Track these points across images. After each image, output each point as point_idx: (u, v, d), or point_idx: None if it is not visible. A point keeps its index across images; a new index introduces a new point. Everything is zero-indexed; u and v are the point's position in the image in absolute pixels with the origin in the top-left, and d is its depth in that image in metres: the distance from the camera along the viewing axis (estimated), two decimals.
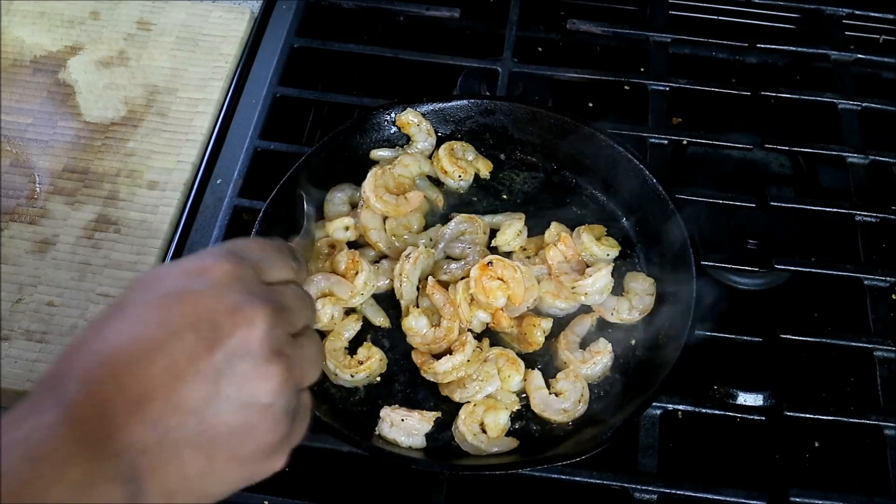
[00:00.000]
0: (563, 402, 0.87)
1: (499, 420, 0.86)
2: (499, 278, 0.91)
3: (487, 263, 0.91)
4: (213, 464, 0.57)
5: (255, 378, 0.57)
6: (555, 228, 0.98)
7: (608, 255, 0.96)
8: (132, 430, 0.54)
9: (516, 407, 0.88)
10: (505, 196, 1.04)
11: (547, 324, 0.91)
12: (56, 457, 0.51)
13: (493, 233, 0.99)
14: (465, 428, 0.85)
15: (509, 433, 0.87)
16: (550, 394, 0.88)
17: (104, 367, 0.55)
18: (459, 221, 0.99)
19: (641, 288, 0.94)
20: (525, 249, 0.98)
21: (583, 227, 0.98)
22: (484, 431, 0.86)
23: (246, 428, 0.57)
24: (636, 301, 0.94)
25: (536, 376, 0.89)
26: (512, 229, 0.97)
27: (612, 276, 0.93)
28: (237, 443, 0.57)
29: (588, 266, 0.94)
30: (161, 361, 0.55)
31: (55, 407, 0.54)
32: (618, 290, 0.95)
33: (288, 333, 0.61)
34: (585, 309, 0.95)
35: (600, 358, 0.90)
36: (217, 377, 0.56)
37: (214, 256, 0.61)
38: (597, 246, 0.95)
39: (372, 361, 0.89)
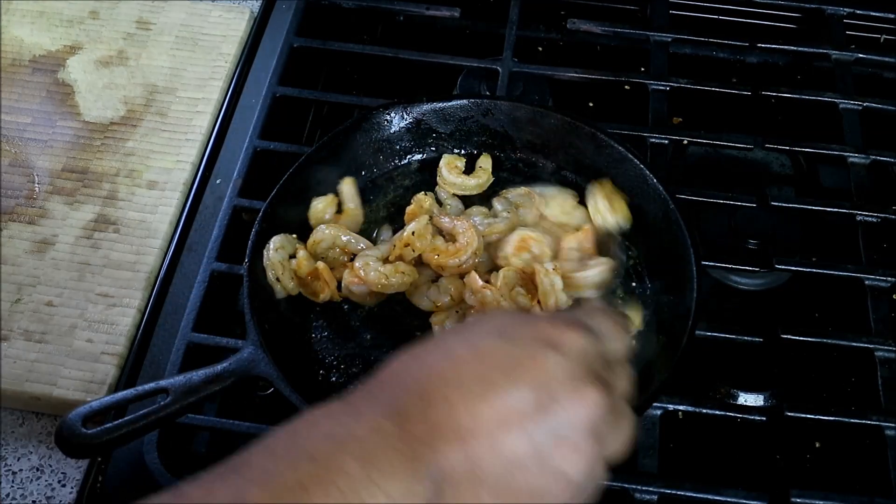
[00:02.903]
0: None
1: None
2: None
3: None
4: (503, 500, 0.57)
5: (571, 454, 0.58)
6: (600, 193, 0.97)
7: (620, 224, 0.96)
8: (450, 456, 0.55)
9: None
10: None
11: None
12: (385, 464, 0.53)
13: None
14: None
15: None
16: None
17: (441, 388, 0.57)
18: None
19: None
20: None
21: (597, 184, 0.97)
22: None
23: (547, 493, 0.58)
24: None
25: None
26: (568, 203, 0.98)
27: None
28: (533, 502, 0.58)
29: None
30: (497, 405, 0.56)
31: (385, 410, 0.56)
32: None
33: (610, 413, 0.61)
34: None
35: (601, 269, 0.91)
36: (538, 439, 0.57)
37: (570, 326, 0.62)
38: (610, 214, 0.95)
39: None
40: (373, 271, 0.91)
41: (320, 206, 0.99)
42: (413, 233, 0.93)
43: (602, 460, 0.61)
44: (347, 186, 1.00)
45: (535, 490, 0.58)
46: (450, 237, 0.94)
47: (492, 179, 1.03)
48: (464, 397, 0.56)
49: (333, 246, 0.95)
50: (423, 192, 1.00)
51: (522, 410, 0.57)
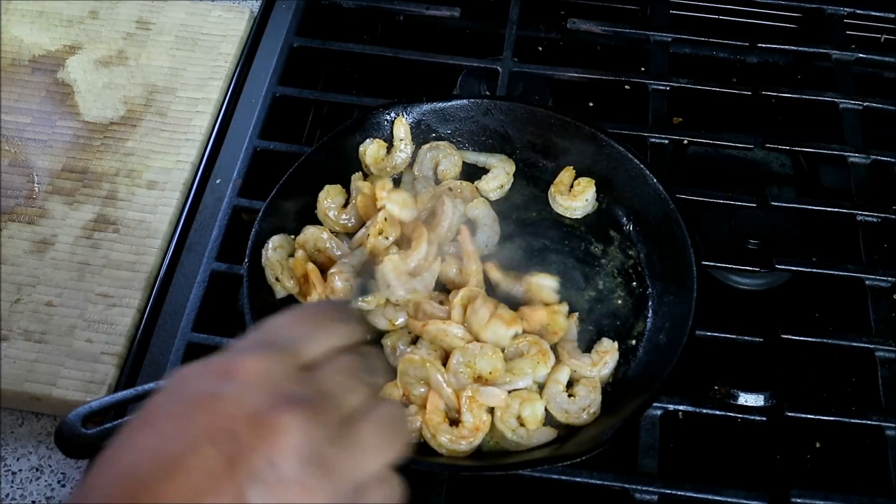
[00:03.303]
0: (572, 403, 0.87)
1: (536, 411, 0.85)
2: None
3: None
4: None
5: (285, 494, 0.50)
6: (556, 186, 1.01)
7: (586, 201, 0.99)
8: None
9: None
10: None
11: (564, 307, 0.91)
12: None
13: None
14: (503, 425, 0.84)
15: None
16: (564, 392, 0.87)
17: (124, 488, 0.50)
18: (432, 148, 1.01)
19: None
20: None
21: (554, 183, 1.01)
22: (521, 425, 0.85)
23: None
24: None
25: (563, 373, 0.88)
26: (496, 181, 1.01)
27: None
28: None
29: None
30: (179, 480, 0.49)
31: None
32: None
33: (334, 421, 0.54)
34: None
35: (609, 357, 0.89)
36: (241, 494, 0.49)
37: (241, 352, 0.56)
38: (571, 200, 0.99)
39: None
40: (341, 282, 0.90)
41: (373, 147, 1.01)
42: (385, 219, 0.92)
43: (341, 483, 0.53)
44: (399, 125, 1.03)
45: None
46: (406, 243, 0.92)
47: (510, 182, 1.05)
48: (147, 488, 0.49)
49: (316, 248, 0.95)
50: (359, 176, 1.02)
51: (209, 471, 0.49)
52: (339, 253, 0.95)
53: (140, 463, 0.51)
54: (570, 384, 0.89)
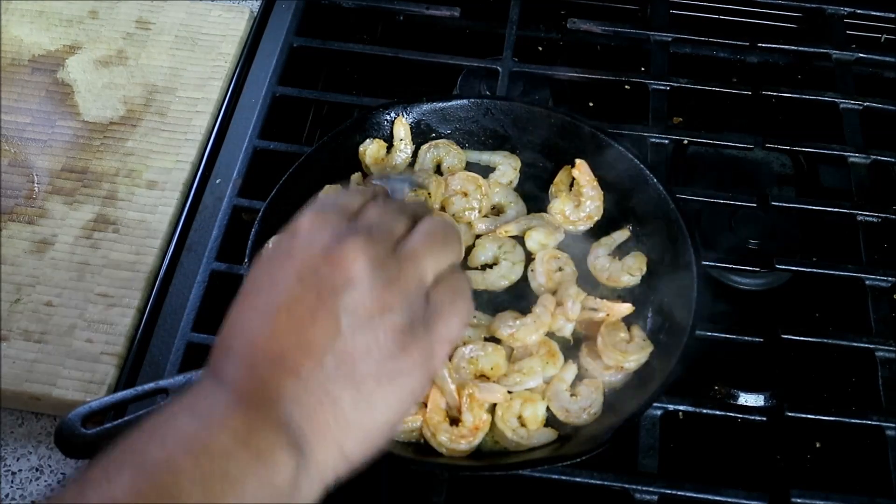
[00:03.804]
0: (574, 403, 0.87)
1: (537, 412, 0.85)
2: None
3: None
4: (360, 391, 0.60)
5: (365, 303, 0.60)
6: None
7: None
8: (279, 384, 0.58)
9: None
10: None
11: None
12: (217, 411, 0.57)
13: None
14: (504, 424, 0.84)
15: None
16: (567, 391, 0.87)
17: (245, 341, 0.60)
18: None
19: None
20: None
21: (553, 183, 1.02)
22: (522, 425, 0.85)
23: (374, 345, 0.60)
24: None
25: (570, 371, 0.88)
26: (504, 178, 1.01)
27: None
28: (373, 362, 0.60)
29: None
30: (283, 320, 0.60)
31: (228, 400, 0.58)
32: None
33: (389, 243, 0.64)
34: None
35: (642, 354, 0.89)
36: (335, 314, 0.59)
37: (297, 219, 0.66)
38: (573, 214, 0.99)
39: None
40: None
41: (373, 147, 1.02)
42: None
43: (408, 285, 0.63)
44: (399, 125, 1.03)
45: (364, 350, 0.60)
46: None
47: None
48: (263, 333, 0.60)
49: None
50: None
51: (305, 304, 0.60)
52: None
53: (251, 319, 0.61)
54: (573, 383, 0.89)
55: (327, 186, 0.99)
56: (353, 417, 0.60)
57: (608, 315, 0.90)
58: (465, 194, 0.99)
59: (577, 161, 0.99)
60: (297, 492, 0.57)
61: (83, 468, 0.55)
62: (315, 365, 0.59)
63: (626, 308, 0.90)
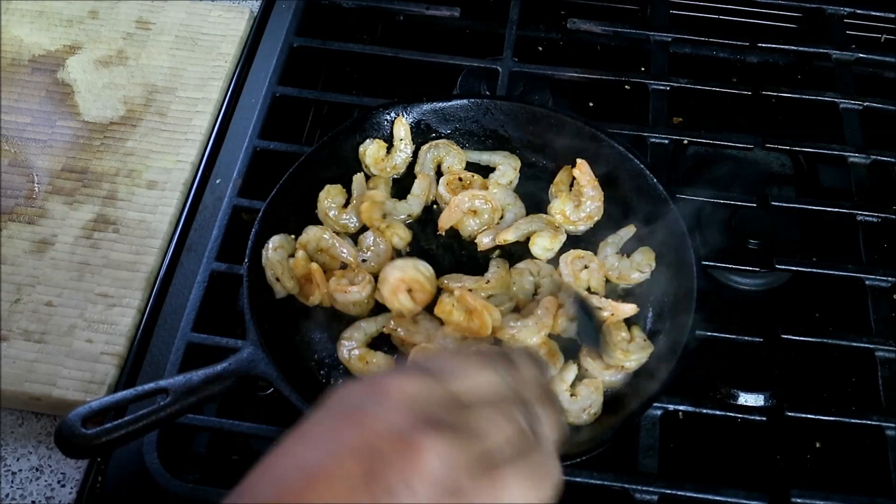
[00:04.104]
0: (573, 403, 0.87)
1: None
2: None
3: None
4: None
5: None
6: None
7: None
8: None
9: None
10: None
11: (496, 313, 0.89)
12: None
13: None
14: None
15: None
16: (567, 391, 0.87)
17: (274, 492, 0.53)
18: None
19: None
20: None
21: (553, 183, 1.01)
22: None
23: None
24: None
25: (570, 372, 0.88)
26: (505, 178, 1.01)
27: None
28: None
29: None
30: (320, 488, 0.51)
31: None
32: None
33: (476, 458, 0.54)
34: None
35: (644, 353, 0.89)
36: None
37: (400, 374, 0.57)
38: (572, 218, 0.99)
39: None
40: (353, 357, 0.89)
41: (373, 147, 1.01)
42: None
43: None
44: (399, 125, 1.03)
45: None
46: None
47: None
48: (297, 494, 0.51)
49: (319, 248, 0.95)
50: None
51: (350, 484, 0.51)
52: (344, 252, 0.95)
53: (290, 470, 0.53)
54: (573, 384, 0.89)
55: (328, 187, 0.99)
56: None
57: (612, 315, 0.90)
58: (475, 212, 0.99)
59: (578, 161, 0.99)
60: None
61: None
62: None
63: (630, 308, 0.90)
